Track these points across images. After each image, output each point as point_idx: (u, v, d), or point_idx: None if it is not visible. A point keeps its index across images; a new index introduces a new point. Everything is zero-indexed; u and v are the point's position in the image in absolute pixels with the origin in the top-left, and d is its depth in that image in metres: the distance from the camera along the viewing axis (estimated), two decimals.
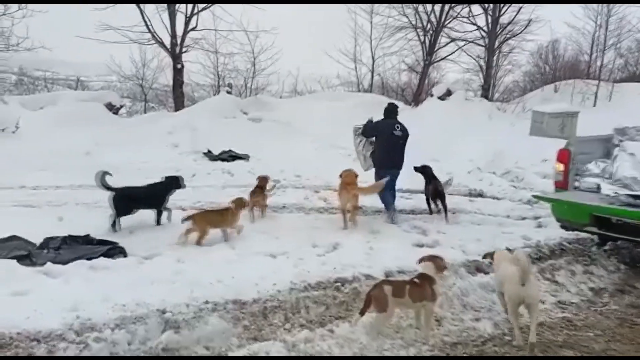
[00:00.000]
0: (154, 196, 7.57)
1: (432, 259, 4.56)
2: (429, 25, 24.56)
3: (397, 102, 20.85)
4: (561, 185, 6.59)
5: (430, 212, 8.61)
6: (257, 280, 4.96)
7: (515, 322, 4.18)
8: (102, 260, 5.37)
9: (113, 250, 5.78)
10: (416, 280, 4.35)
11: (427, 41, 24.90)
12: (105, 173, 7.41)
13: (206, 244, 6.39)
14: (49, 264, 5.12)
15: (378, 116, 8.81)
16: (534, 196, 7.46)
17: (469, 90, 25.20)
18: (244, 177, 10.96)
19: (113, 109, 16.14)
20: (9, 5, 17.72)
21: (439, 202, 8.42)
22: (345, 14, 24.24)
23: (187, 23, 18.28)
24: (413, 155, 12.87)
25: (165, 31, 18.26)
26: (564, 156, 6.63)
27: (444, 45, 25.86)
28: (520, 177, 11.48)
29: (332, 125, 15.22)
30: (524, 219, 8.35)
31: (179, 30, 18.28)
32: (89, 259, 5.42)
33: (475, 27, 25.19)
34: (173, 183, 7.71)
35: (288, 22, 25.89)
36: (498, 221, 8.08)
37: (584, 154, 6.72)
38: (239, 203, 6.95)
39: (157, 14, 17.89)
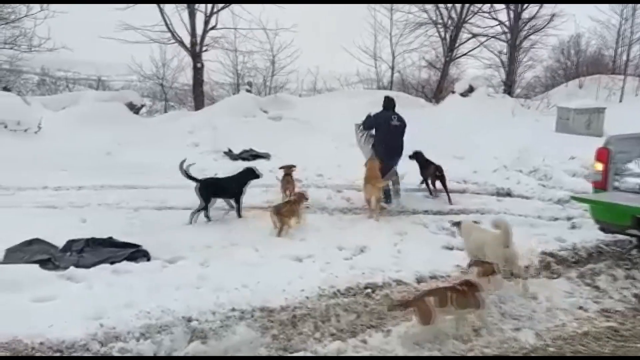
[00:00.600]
0: (232, 187, 8.00)
1: (480, 264, 4.52)
2: (449, 21, 24.23)
3: (419, 99, 20.72)
4: (600, 186, 6.27)
5: (430, 193, 9.52)
6: (284, 285, 4.80)
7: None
8: (125, 264, 5.27)
9: (136, 254, 5.67)
10: (459, 286, 4.19)
11: (447, 37, 24.57)
12: (184, 163, 7.91)
13: (229, 246, 6.27)
14: (71, 267, 5.03)
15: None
16: (573, 197, 7.14)
17: (489, 86, 24.77)
18: (265, 176, 10.78)
19: (134, 108, 16.12)
20: (31, 6, 17.91)
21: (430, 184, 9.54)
22: (365, 11, 23.97)
23: (206, 22, 18.22)
24: (435, 153, 12.65)
25: (185, 30, 18.26)
26: (603, 155, 6.28)
27: (465, 41, 25.52)
28: (548, 175, 11.12)
29: (352, 123, 15.01)
30: (556, 219, 8.04)
31: (199, 30, 18.27)
32: (112, 262, 5.32)
33: (496, 23, 24.84)
34: (250, 174, 8.20)
35: (307, 19, 25.71)
36: (529, 222, 7.78)
37: (623, 153, 6.37)
38: (301, 196, 7.60)
39: (177, 13, 17.87)
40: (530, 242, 6.48)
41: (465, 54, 26.11)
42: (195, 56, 17.98)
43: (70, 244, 5.93)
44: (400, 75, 25.15)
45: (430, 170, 9.50)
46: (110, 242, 6.05)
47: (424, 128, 15.06)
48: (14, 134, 12.30)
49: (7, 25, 18.40)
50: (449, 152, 12.78)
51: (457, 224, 5.78)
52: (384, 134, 8.95)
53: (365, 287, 4.82)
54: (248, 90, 18.68)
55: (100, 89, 23.79)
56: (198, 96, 18.34)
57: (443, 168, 9.49)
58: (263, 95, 20.18)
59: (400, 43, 24.32)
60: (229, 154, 12.91)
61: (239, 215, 7.82)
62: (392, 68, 24.45)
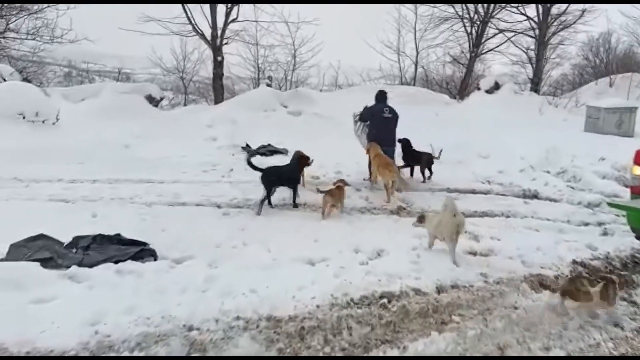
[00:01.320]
0: (290, 175, 8.37)
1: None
2: (476, 16, 23.61)
3: (443, 95, 20.22)
4: (639, 192, 5.84)
5: (425, 179, 10.32)
6: (294, 291, 4.52)
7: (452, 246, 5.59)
8: (130, 264, 5.04)
9: (143, 253, 5.45)
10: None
11: (474, 32, 23.97)
12: (251, 154, 8.76)
13: (240, 245, 6.02)
14: (74, 267, 4.81)
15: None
16: (609, 204, 6.68)
17: (516, 83, 24.13)
18: None
19: (153, 101, 16.01)
20: None
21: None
22: (389, 5, 23.51)
23: (227, 14, 18.00)
24: (459, 151, 12.30)
25: (206, 23, 18.06)
26: None
27: (492, 37, 24.93)
28: (577, 176, 10.61)
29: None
30: (586, 224, 7.58)
31: (220, 22, 18.02)
32: (117, 261, 5.10)
33: (525, 18, 24.11)
34: (303, 160, 8.76)
35: (330, 13, 25.26)
36: (557, 227, 7.33)
37: None
38: (344, 183, 8.16)
39: (198, 5, 17.67)
40: (560, 249, 6.08)
41: (491, 50, 25.49)
42: (216, 49, 17.77)
43: (77, 240, 5.74)
44: (423, 71, 24.65)
45: (425, 158, 10.34)
46: (117, 239, 5.82)
47: (448, 125, 14.68)
48: (32, 125, 12.27)
49: (29, 16, 18.50)
50: (473, 151, 12.39)
51: (421, 218, 6.21)
52: (377, 126, 9.76)
53: (381, 297, 4.49)
54: (268, 85, 18.42)
55: (124, 81, 23.85)
56: (218, 90, 18.14)
57: (431, 154, 10.44)
58: (283, 90, 19.92)
59: (424, 38, 23.87)
60: (247, 149, 12.66)
61: (295, 205, 8.19)
62: (416, 63, 24.01)
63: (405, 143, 10.54)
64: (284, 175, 8.26)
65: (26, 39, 18.79)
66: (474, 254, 6.02)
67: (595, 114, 16.22)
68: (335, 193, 7.73)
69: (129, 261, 5.10)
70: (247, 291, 4.45)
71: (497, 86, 20.29)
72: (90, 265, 5.01)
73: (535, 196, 9.30)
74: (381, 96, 10.25)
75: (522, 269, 5.40)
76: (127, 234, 6.06)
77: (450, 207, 5.74)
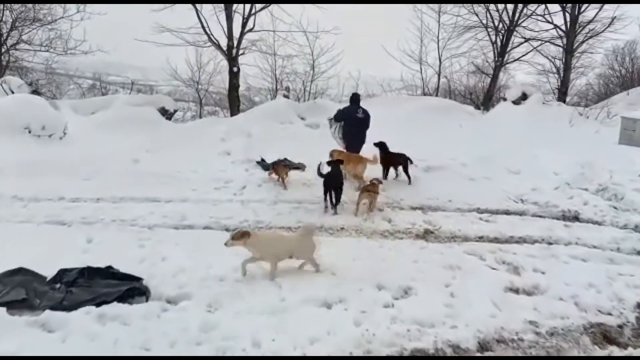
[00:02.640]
0: (340, 180, 8.73)
1: None
2: (500, 25, 22.71)
3: (467, 106, 19.37)
4: None
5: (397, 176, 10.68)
6: (306, 345, 3.80)
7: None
8: (116, 307, 4.35)
9: (134, 291, 4.76)
10: None
11: (498, 41, 23.07)
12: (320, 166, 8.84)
13: (246, 280, 5.30)
14: (47, 312, 4.13)
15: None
16: None
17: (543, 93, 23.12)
18: (298, 191, 9.81)
19: (167, 113, 15.46)
20: (67, 7, 17.62)
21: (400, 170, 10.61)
22: (411, 12, 22.71)
23: (244, 24, 17.41)
24: (486, 166, 11.45)
25: (222, 33, 17.50)
26: None
27: (517, 46, 23.95)
28: (619, 195, 9.67)
29: (395, 132, 13.85)
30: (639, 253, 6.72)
31: (236, 32, 17.45)
32: (100, 304, 4.41)
33: (551, 26, 23.14)
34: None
35: (349, 21, 24.56)
36: (607, 256, 6.46)
37: None
38: (378, 181, 8.95)
39: (214, 15, 17.13)
40: (617, 287, 5.23)
41: (517, 59, 24.51)
42: (232, 60, 17.20)
43: (62, 274, 5.09)
44: (446, 81, 23.77)
45: (400, 159, 10.54)
46: (107, 273, 5.16)
47: (473, 138, 13.82)
48: (38, 140, 11.75)
49: (43, 27, 18.20)
50: (502, 165, 11.50)
51: (244, 235, 5.45)
52: (351, 126, 10.76)
53: (412, 356, 3.72)
54: (285, 96, 17.74)
55: (145, 92, 23.51)
56: (233, 101, 17.53)
57: (407, 155, 10.54)
58: (302, 101, 19.25)
59: (447, 47, 22.98)
60: (262, 163, 11.96)
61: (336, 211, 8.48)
62: (439, 73, 23.11)
63: (382, 146, 10.75)
64: (336, 181, 8.65)
65: (39, 50, 18.53)
66: (516, 291, 5.22)
67: (631, 126, 15.19)
68: (370, 189, 8.41)
69: (115, 303, 4.39)
70: (248, 345, 3.73)
71: (524, 96, 19.36)
72: (71, 308, 4.35)
73: (576, 218, 8.42)
74: (355, 98, 11.24)
75: (578, 315, 4.58)
76: (123, 264, 5.44)
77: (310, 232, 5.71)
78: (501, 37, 22.97)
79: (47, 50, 18.52)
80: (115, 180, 10.26)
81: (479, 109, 20.57)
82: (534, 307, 4.67)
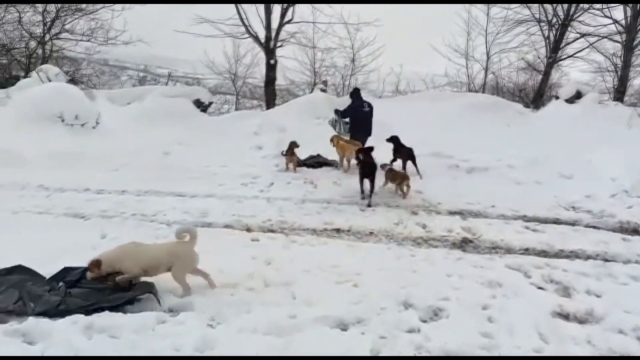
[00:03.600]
0: (373, 169, 8.83)
1: None
2: (554, 19, 21.39)
3: (516, 104, 18.28)
4: None
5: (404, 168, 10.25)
6: None
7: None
8: (106, 317, 3.89)
9: (136, 299, 4.32)
10: None
11: (551, 36, 21.77)
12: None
13: (257, 288, 4.79)
14: (31, 319, 3.72)
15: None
16: None
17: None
18: (328, 189, 9.27)
19: (201, 106, 15.18)
20: None
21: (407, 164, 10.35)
22: (458, 5, 21.72)
23: (283, 15, 16.96)
24: (536, 169, 10.56)
25: (260, 25, 17.11)
26: None
27: (572, 42, 22.52)
28: None
29: (438, 130, 13.15)
30: None
31: (275, 24, 17.02)
32: (97, 310, 3.99)
33: (610, 21, 21.64)
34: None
35: (392, 13, 23.73)
36: None
37: None
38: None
39: (252, 5, 16.73)
40: None
41: (571, 56, 23.10)
42: (269, 52, 16.77)
43: (65, 273, 4.72)
44: (494, 77, 22.62)
45: (405, 151, 10.41)
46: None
47: (522, 138, 12.88)
48: (71, 129, 11.67)
49: (85, 17, 18.28)
50: (552, 169, 10.59)
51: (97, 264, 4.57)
52: (359, 120, 11.33)
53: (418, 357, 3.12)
54: (323, 90, 17.18)
55: (192, 84, 23.48)
56: (270, 95, 17.13)
57: (414, 150, 10.42)
58: (340, 96, 18.66)
59: (496, 42, 21.85)
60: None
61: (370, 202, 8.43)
62: (486, 69, 22.01)
63: (395, 140, 10.72)
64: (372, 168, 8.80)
65: (81, 40, 18.64)
66: (566, 317, 4.49)
67: None
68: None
69: (107, 312, 3.95)
70: None
71: (578, 95, 18.13)
72: (65, 313, 3.94)
73: (636, 231, 7.50)
74: (357, 93, 11.83)
75: None
76: None
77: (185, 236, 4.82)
78: (555, 32, 21.67)
79: (89, 40, 18.64)
80: (143, 173, 10.03)
81: (528, 107, 19.45)
82: (588, 340, 3.95)
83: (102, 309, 4.04)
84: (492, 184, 9.75)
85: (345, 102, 14.29)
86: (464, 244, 6.67)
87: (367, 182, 8.73)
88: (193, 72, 28.84)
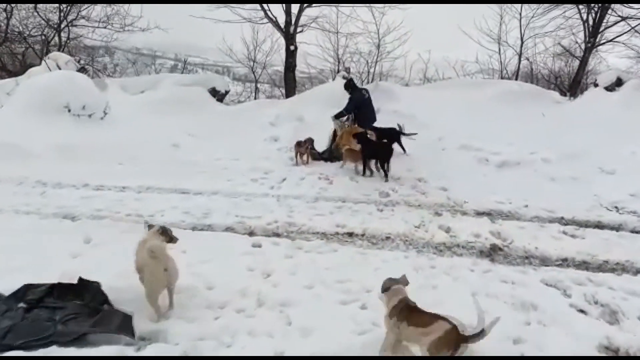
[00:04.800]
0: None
1: None
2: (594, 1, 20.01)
3: (552, 92, 17.13)
4: None
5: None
6: None
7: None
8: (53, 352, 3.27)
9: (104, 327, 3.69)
10: None
11: (590, 20, 20.41)
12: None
13: (249, 310, 4.13)
14: None
15: None
16: None
17: None
18: (344, 186, 8.56)
19: (218, 94, 14.56)
20: None
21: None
22: None
23: None
24: (573, 164, 9.59)
25: (280, 9, 16.30)
26: None
27: (612, 25, 21.09)
28: None
29: (467, 120, 12.21)
30: None
31: (295, 8, 16.18)
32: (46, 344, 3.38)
33: None
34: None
35: None
36: None
37: None
38: None
39: None
40: None
41: (610, 41, 21.67)
42: (289, 37, 15.99)
43: (25, 291, 4.13)
44: (528, 64, 21.36)
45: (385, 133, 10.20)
46: (89, 296, 4.13)
47: (557, 129, 11.86)
48: (77, 120, 11.16)
49: (101, 4, 17.82)
50: (592, 163, 9.62)
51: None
52: (364, 108, 10.63)
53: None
54: (345, 77, 16.34)
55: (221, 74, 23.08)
56: (289, 82, 16.35)
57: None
58: (365, 84, 17.79)
59: (531, 25, 20.57)
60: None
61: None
62: (520, 55, 20.75)
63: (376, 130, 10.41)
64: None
65: (98, 27, 18.19)
66: (616, 352, 3.71)
67: None
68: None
69: (54, 347, 3.33)
70: None
71: (618, 82, 16.89)
72: (10, 347, 3.34)
73: None
74: (353, 83, 11.07)
75: None
76: (108, 275, 4.43)
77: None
78: (594, 15, 20.32)
79: (105, 27, 18.17)
80: (148, 167, 9.50)
81: (564, 95, 18.27)
82: None
83: (53, 343, 3.43)
84: (525, 181, 8.91)
85: (370, 91, 13.44)
86: (492, 252, 5.89)
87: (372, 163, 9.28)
88: (223, 61, 28.44)
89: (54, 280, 4.36)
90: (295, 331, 3.79)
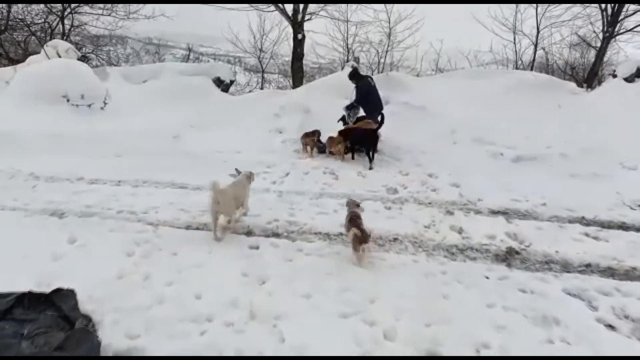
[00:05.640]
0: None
1: None
2: None
3: (569, 83, 16.53)
4: None
5: None
6: None
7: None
8: None
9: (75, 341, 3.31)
10: None
11: (609, 8, 19.67)
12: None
13: (239, 325, 3.72)
14: None
15: None
16: None
17: None
18: (350, 181, 8.13)
19: (222, 84, 14.13)
20: None
21: None
22: None
23: None
24: (593, 159, 9.05)
25: None
26: None
27: (632, 14, 20.32)
28: None
29: (480, 111, 11.69)
30: None
31: None
32: None
33: None
34: None
35: None
36: None
37: None
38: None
39: None
40: None
41: (630, 30, 20.91)
42: (296, 26, 15.49)
43: None
44: (545, 54, 20.66)
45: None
46: (61, 306, 3.75)
47: (575, 121, 11.31)
48: (76, 110, 10.80)
49: None
50: (613, 158, 9.11)
51: None
52: (372, 97, 10.15)
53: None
54: (352, 67, 15.82)
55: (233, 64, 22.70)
56: (296, 72, 15.88)
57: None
58: (375, 74, 17.25)
59: (547, 14, 19.87)
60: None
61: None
62: (535, 44, 20.06)
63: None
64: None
65: (102, 14, 17.80)
66: None
67: None
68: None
69: None
70: None
71: (638, 73, 16.23)
72: None
73: None
74: (358, 72, 10.75)
75: None
76: (88, 282, 4.06)
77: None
78: (612, 4, 19.57)
79: (109, 14, 17.78)
80: (146, 160, 9.12)
81: (581, 86, 17.63)
82: None
83: None
84: (542, 177, 8.43)
85: (379, 81, 12.93)
86: (509, 256, 5.42)
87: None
88: (235, 51, 28.08)
89: (30, 286, 4.02)
90: (288, 349, 3.38)
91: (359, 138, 9.33)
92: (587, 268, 5.16)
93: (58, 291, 3.84)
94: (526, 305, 4.20)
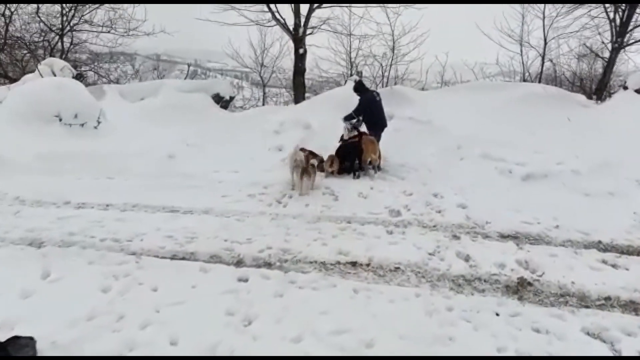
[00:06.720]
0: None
1: None
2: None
3: (578, 95, 16.05)
4: None
5: None
6: None
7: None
8: None
9: None
10: None
11: (617, 18, 19.26)
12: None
13: None
14: None
15: None
16: None
17: None
18: (351, 202, 7.69)
19: (222, 101, 13.81)
20: None
21: None
22: None
23: None
24: (607, 176, 8.58)
25: (289, 10, 15.50)
26: None
27: None
28: None
29: (487, 125, 11.24)
30: None
31: (304, 9, 15.37)
32: None
33: None
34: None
35: None
36: None
37: None
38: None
39: None
40: None
41: (639, 41, 20.47)
42: (298, 40, 15.18)
43: None
44: (552, 65, 20.24)
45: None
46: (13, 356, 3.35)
47: (586, 135, 10.83)
48: (69, 130, 10.48)
49: (104, 7, 17.25)
50: (629, 175, 8.64)
51: None
52: (375, 111, 9.97)
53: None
54: (355, 81, 15.47)
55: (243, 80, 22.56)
56: (298, 87, 15.53)
57: None
58: (379, 88, 16.89)
59: (554, 25, 19.48)
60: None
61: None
62: (543, 56, 19.64)
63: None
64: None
65: (101, 31, 17.62)
66: None
67: None
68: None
69: None
70: None
71: None
72: None
73: None
74: (363, 85, 10.45)
75: None
76: (64, 325, 3.66)
77: None
78: (621, 13, 19.17)
79: (109, 31, 17.60)
80: (138, 182, 8.77)
81: (590, 99, 17.16)
82: None
83: None
84: (554, 196, 7.97)
85: (384, 95, 12.56)
86: (520, 288, 4.96)
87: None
88: (241, 66, 28.11)
89: None
90: None
91: (348, 152, 9.42)
92: (607, 302, 4.70)
93: (15, 340, 3.43)
94: (542, 349, 3.76)
